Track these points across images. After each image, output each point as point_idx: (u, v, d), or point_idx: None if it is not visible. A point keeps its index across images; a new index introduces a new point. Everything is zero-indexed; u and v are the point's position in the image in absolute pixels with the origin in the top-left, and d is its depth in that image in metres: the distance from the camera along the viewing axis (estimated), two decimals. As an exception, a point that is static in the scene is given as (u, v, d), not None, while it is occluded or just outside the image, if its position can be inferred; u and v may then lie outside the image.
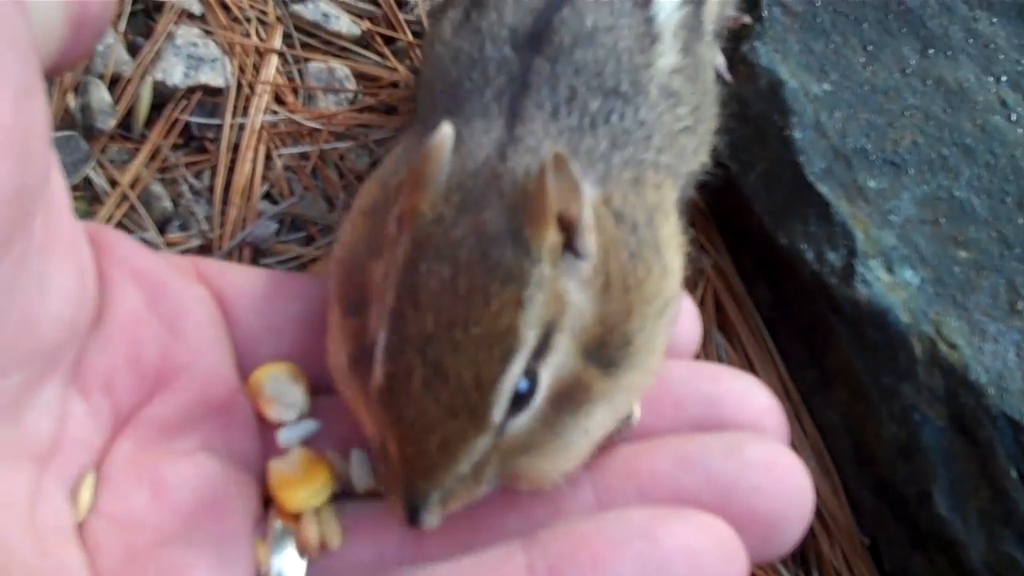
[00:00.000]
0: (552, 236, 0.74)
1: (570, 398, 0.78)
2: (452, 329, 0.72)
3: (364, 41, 1.46)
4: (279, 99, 1.39)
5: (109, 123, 1.34)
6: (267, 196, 1.33)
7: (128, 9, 1.43)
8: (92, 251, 0.90)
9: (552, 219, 0.74)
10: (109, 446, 0.87)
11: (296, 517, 0.84)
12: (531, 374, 0.75)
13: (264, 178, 1.33)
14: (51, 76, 0.86)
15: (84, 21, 0.86)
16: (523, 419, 0.76)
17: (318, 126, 1.36)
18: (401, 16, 1.46)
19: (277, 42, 1.43)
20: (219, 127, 1.36)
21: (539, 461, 0.79)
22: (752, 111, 1.29)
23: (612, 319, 0.79)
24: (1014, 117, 1.29)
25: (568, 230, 0.76)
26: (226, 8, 1.44)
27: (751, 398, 0.90)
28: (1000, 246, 1.21)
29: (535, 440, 0.78)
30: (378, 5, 1.48)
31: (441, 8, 1.08)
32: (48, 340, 0.81)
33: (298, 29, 1.45)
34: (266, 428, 0.91)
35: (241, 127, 1.36)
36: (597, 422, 0.81)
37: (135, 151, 1.34)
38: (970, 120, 1.28)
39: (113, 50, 1.39)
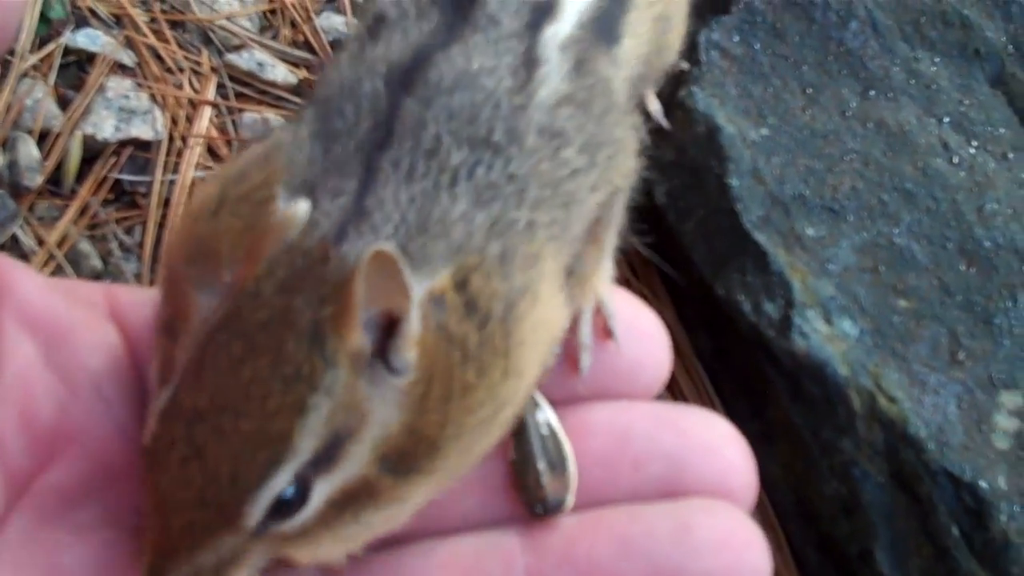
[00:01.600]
0: (356, 342, 0.68)
1: (355, 499, 0.72)
2: (222, 416, 0.67)
3: (300, 90, 1.43)
4: (212, 151, 1.37)
5: (37, 180, 1.32)
6: (198, 252, 1.30)
7: (58, 61, 1.40)
8: None
9: (357, 324, 0.68)
10: (3, 518, 0.80)
11: None
12: (303, 482, 0.69)
13: (196, 233, 1.31)
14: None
15: None
16: (290, 524, 0.70)
17: (250, 179, 1.34)
18: (338, 63, 1.44)
19: (211, 93, 1.40)
20: (150, 182, 1.33)
21: (314, 550, 0.73)
22: (689, 157, 1.27)
23: (423, 430, 0.72)
24: (956, 160, 1.26)
25: (388, 334, 0.70)
26: (159, 59, 1.42)
27: (717, 454, 0.84)
28: (941, 294, 1.19)
29: (308, 534, 0.72)
30: (314, 53, 1.46)
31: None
32: None
33: (232, 79, 1.43)
34: None
35: (172, 182, 1.33)
36: (380, 519, 0.75)
37: (64, 207, 1.32)
38: (911, 163, 1.26)
39: (42, 104, 1.36)
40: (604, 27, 0.93)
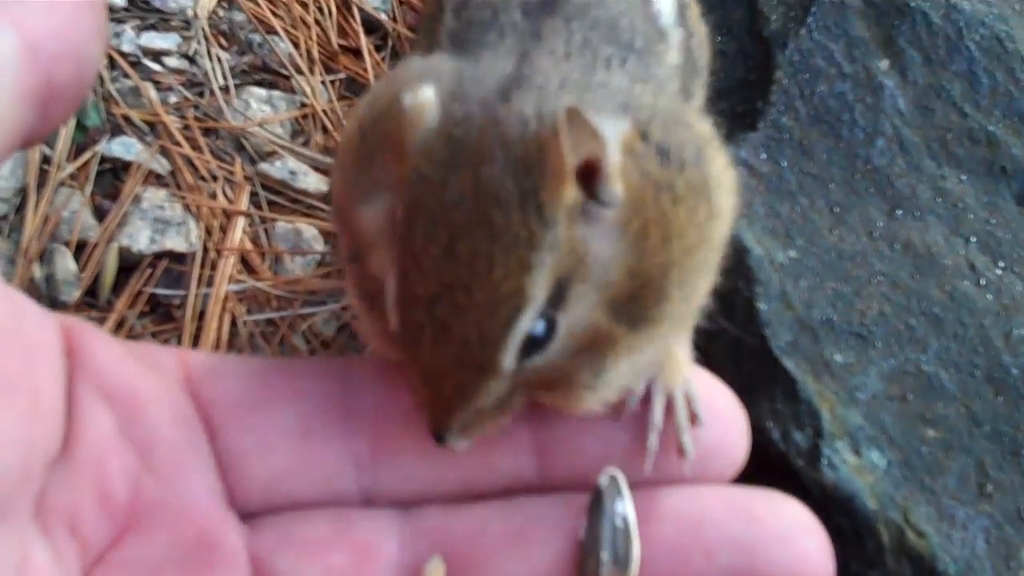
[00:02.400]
0: (570, 195, 0.70)
1: (596, 349, 0.76)
2: (455, 292, 0.71)
3: (331, 198, 1.45)
4: (246, 262, 1.39)
5: (74, 294, 1.34)
6: (233, 367, 1.33)
7: (95, 171, 1.43)
8: (65, 362, 0.82)
9: (569, 178, 0.69)
10: None
11: None
12: (548, 319, 0.73)
13: (230, 345, 1.33)
14: (12, 151, 0.76)
15: (51, 97, 0.75)
16: (542, 359, 0.75)
17: (285, 294, 1.36)
18: (369, 171, 1.46)
19: (244, 203, 1.43)
20: (185, 296, 1.35)
21: (570, 394, 0.78)
22: (718, 279, 1.28)
23: (648, 272, 0.75)
24: (983, 282, 1.28)
25: (591, 176, 0.71)
26: (193, 167, 1.44)
27: (792, 543, 0.82)
28: (969, 423, 1.20)
29: (566, 373, 0.77)
30: (346, 160, 1.48)
31: None
32: None
33: (265, 187, 1.45)
34: (260, 565, 0.84)
35: (207, 295, 1.35)
36: (623, 368, 0.78)
37: (101, 320, 1.34)
38: (938, 287, 1.27)
39: (79, 215, 1.39)
40: None
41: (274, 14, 1.56)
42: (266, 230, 1.42)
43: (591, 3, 0.86)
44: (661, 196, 0.74)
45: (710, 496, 0.83)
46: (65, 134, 1.43)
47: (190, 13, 1.55)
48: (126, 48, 1.51)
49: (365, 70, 1.53)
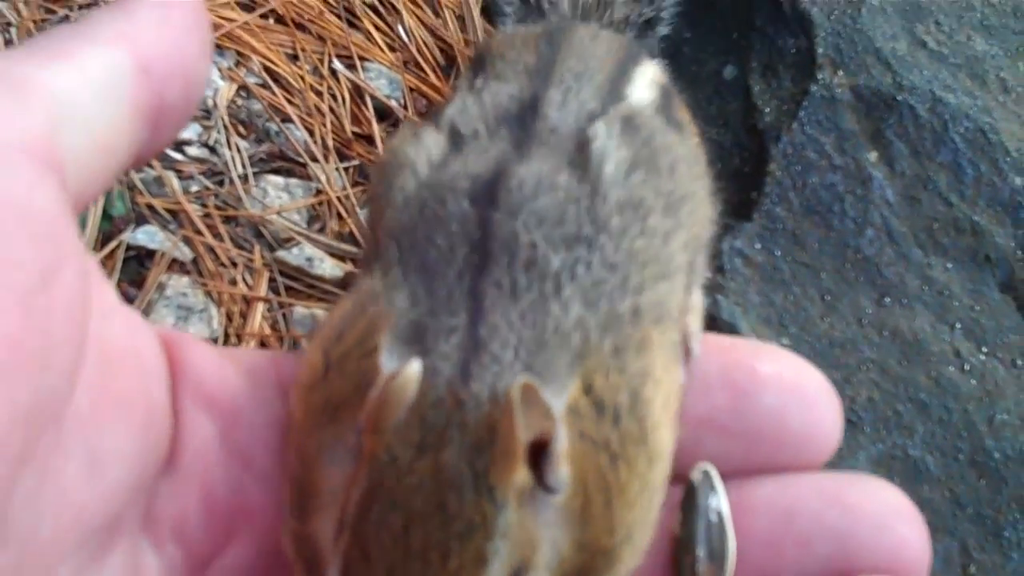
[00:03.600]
0: (521, 477, 0.68)
1: None
2: None
3: (346, 283, 1.52)
4: (264, 346, 1.46)
5: (102, 381, 1.41)
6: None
7: (121, 260, 1.50)
8: (168, 373, 0.81)
9: (520, 459, 0.67)
10: None
11: None
12: None
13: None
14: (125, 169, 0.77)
15: (162, 116, 0.75)
16: None
17: (301, 379, 1.43)
18: (381, 256, 1.53)
19: (263, 289, 1.49)
20: (207, 381, 1.42)
21: None
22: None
23: (595, 542, 0.72)
24: (967, 367, 1.34)
25: (536, 460, 0.69)
26: (214, 254, 1.51)
27: (888, 530, 0.79)
28: (953, 506, 1.26)
29: None
30: (359, 245, 1.55)
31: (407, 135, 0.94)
32: (103, 516, 0.74)
33: (283, 274, 1.52)
34: None
35: (228, 381, 1.42)
36: None
37: (128, 405, 1.41)
38: (925, 373, 1.33)
39: (107, 303, 1.46)
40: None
41: (289, 102, 1.63)
42: (284, 315, 1.49)
43: (539, 188, 0.80)
44: (600, 457, 0.73)
45: (802, 485, 0.81)
46: (92, 223, 1.50)
47: (210, 103, 1.62)
48: (149, 137, 1.58)
49: (378, 156, 1.60)
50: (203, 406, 0.82)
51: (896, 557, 0.78)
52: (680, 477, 0.80)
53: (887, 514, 0.79)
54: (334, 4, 1.72)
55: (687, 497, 0.81)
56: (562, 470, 0.70)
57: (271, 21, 1.70)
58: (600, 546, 0.72)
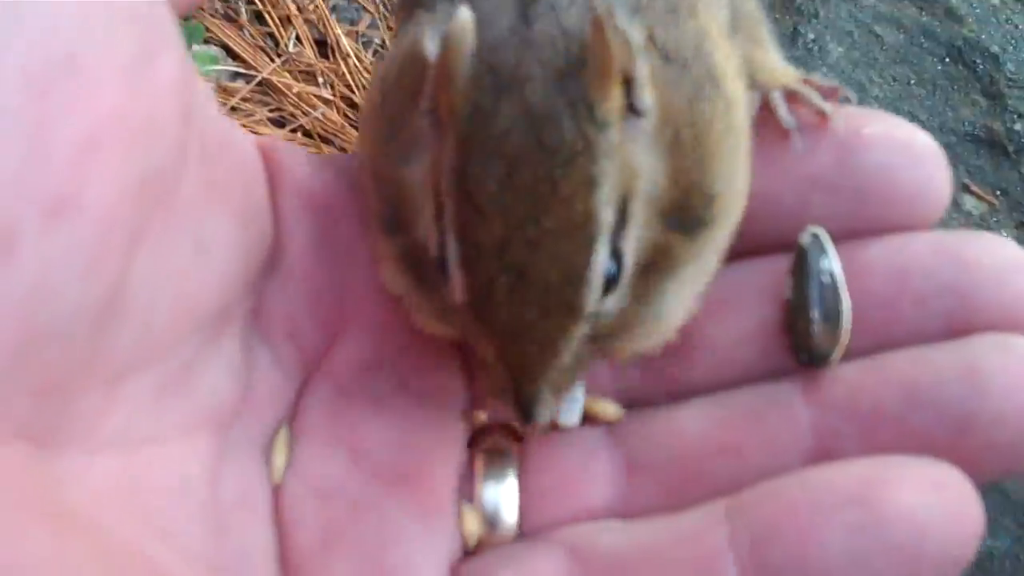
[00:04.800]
0: (618, 96, 0.66)
1: (655, 267, 0.71)
2: (524, 228, 0.65)
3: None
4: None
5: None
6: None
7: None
8: (266, 173, 0.81)
9: (617, 77, 0.66)
10: (300, 399, 0.80)
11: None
12: (616, 253, 0.68)
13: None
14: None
15: None
16: (614, 299, 0.70)
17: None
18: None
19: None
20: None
21: (636, 335, 0.73)
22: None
23: (688, 176, 0.71)
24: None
25: (625, 87, 0.68)
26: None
27: (1007, 284, 0.75)
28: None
29: (628, 316, 0.71)
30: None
31: None
32: (214, 304, 0.74)
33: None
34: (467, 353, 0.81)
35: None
36: (686, 287, 0.74)
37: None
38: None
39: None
40: None
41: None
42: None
43: None
44: (678, 95, 0.72)
45: (916, 243, 0.78)
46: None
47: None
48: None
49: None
50: (303, 207, 0.82)
51: (1016, 311, 0.75)
52: (788, 244, 0.80)
53: (1005, 268, 0.76)
54: (353, 119, 1.94)
55: (797, 261, 0.79)
56: (647, 94, 0.69)
57: (299, 135, 1.91)
58: (693, 180, 0.71)
